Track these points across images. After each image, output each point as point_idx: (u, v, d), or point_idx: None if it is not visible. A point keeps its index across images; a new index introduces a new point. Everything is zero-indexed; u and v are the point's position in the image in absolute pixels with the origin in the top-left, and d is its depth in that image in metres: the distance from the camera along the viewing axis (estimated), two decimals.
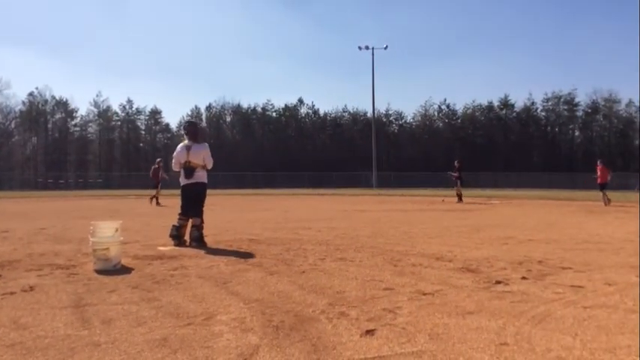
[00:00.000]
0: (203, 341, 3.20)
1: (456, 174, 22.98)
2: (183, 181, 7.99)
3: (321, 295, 4.45)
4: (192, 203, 7.94)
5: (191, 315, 3.81)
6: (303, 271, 5.61)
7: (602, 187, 21.61)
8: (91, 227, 5.98)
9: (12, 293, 4.54)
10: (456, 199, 22.96)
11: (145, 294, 4.54)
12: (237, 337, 3.29)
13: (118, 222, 6.20)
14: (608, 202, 20.87)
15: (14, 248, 7.44)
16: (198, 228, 7.75)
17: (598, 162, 22.64)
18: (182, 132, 8.01)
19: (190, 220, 7.88)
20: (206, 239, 7.78)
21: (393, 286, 4.82)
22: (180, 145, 8.14)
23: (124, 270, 5.71)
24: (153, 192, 21.26)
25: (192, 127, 8.37)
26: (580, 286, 4.82)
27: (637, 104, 73.88)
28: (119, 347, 3.09)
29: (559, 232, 9.84)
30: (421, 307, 4.02)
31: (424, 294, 4.51)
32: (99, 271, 5.59)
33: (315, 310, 3.93)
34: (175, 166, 8.09)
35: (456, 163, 23.40)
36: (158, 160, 22.01)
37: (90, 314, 3.84)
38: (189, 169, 7.88)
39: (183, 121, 78.46)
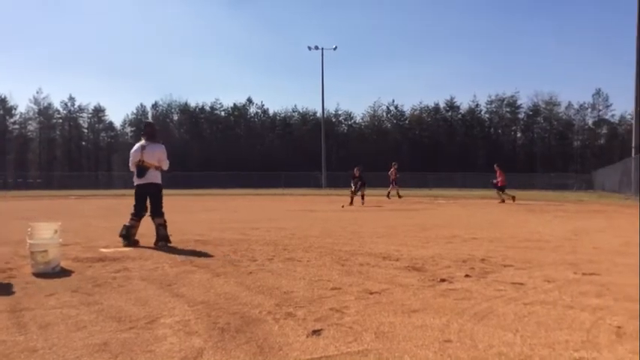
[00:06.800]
0: (145, 345, 3.11)
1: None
2: (136, 180, 7.86)
3: (269, 296, 4.42)
4: (151, 204, 7.80)
5: (133, 318, 3.71)
6: (251, 272, 5.56)
7: (502, 188, 22.77)
8: (29, 229, 5.76)
9: None
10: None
11: (85, 297, 4.39)
12: (181, 340, 3.22)
13: (57, 223, 5.98)
14: (512, 198, 22.35)
15: None
16: (164, 227, 7.66)
17: (495, 166, 23.35)
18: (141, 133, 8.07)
19: (153, 220, 7.70)
20: (152, 240, 7.61)
21: (340, 286, 4.84)
22: (137, 144, 7.99)
23: (64, 273, 5.53)
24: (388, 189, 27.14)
25: (149, 128, 8.29)
26: (521, 283, 4.97)
27: (575, 107, 77.14)
28: (57, 352, 2.98)
29: (501, 231, 10.13)
30: (368, 306, 4.05)
31: (371, 293, 4.54)
32: (37, 274, 5.40)
33: (261, 311, 3.89)
34: (131, 165, 7.93)
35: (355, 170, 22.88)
36: (393, 163, 27.48)
37: (27, 319, 3.70)
38: (141, 169, 7.75)
39: (127, 119, 76.91)
